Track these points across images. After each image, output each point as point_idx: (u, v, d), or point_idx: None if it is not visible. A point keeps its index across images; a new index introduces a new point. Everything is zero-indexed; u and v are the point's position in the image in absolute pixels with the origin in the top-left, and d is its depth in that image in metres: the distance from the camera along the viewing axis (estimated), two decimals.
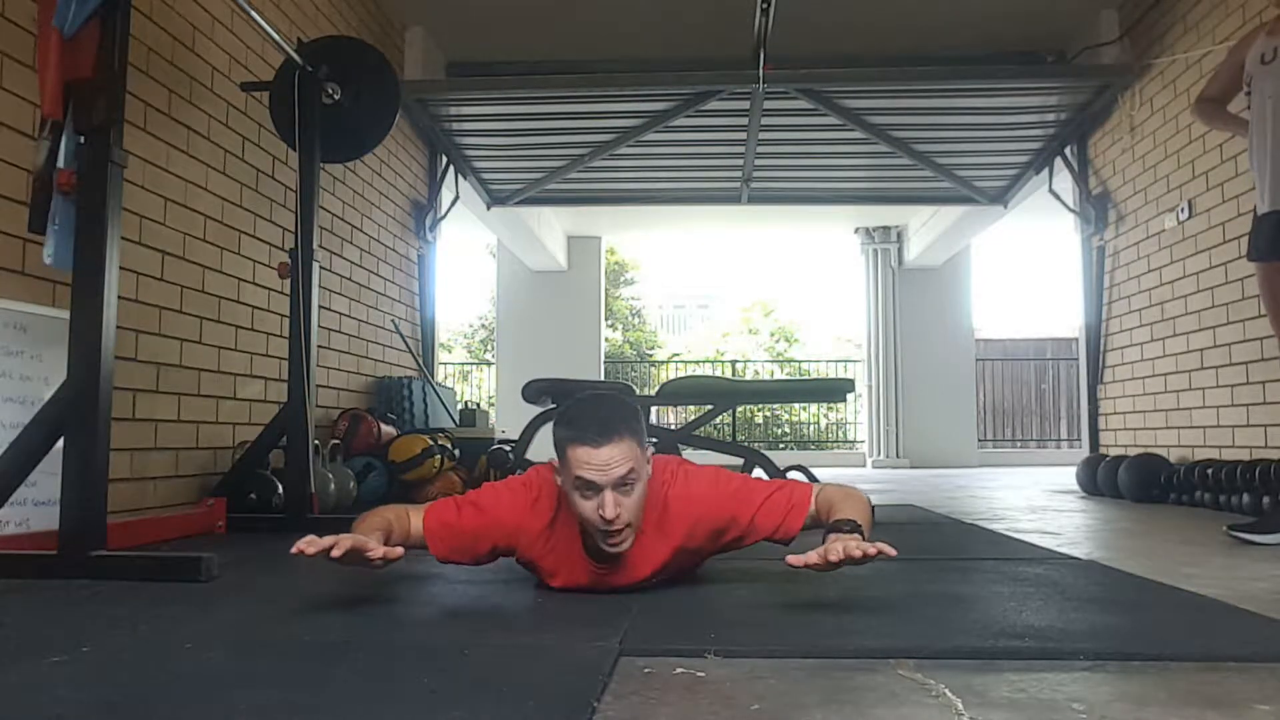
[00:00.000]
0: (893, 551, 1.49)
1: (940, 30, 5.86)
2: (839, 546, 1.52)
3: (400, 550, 1.61)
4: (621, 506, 1.64)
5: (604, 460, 1.61)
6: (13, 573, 2.07)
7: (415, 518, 1.82)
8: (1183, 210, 4.80)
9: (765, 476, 3.97)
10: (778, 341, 19.24)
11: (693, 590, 1.87)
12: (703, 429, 4.25)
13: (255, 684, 1.20)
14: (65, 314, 2.21)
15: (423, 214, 6.21)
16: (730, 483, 1.84)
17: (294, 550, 1.56)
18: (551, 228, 10.05)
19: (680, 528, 1.79)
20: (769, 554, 1.91)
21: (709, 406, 4.14)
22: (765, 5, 4.67)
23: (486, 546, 1.82)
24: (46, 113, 2.23)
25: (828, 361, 14.63)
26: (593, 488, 1.63)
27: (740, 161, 6.67)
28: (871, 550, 1.47)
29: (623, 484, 1.64)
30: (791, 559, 1.55)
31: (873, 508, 1.77)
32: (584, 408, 1.69)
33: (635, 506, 1.68)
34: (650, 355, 17.91)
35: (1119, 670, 1.29)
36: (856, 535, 1.60)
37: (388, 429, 4.76)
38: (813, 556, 1.55)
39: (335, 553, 1.53)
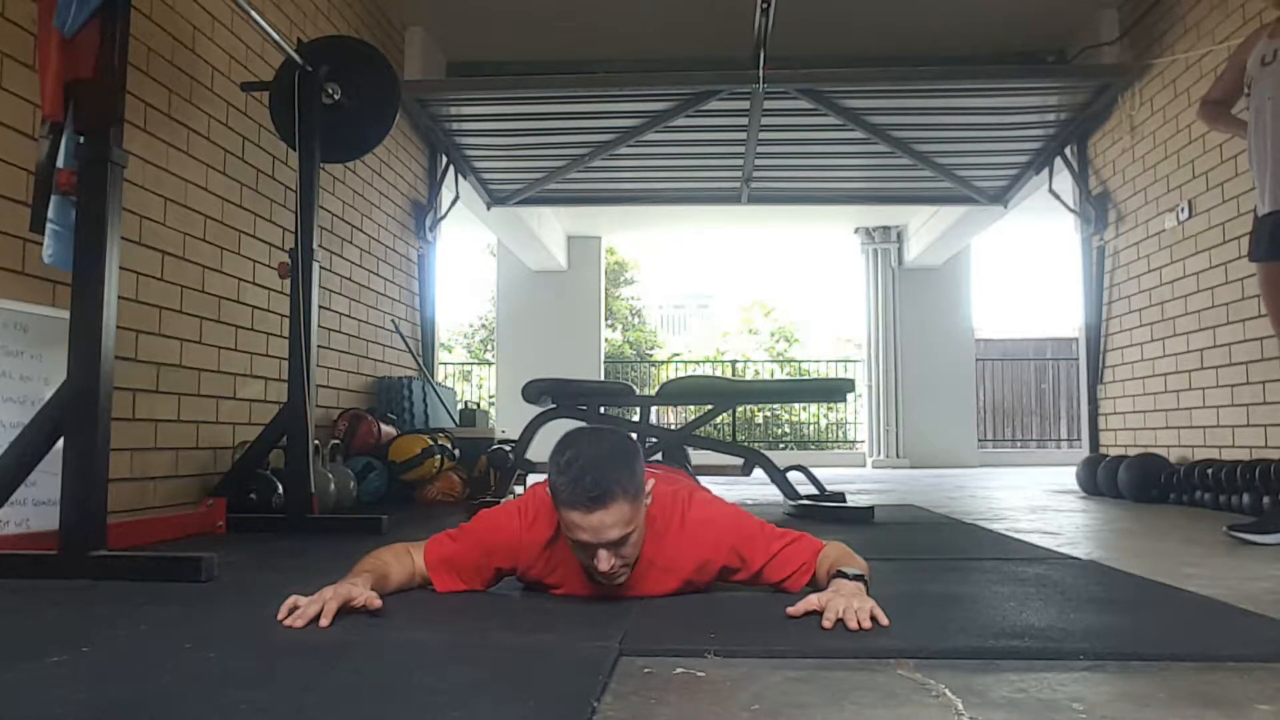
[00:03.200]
0: (886, 621, 1.50)
1: (940, 30, 5.86)
2: (839, 606, 1.52)
3: (379, 603, 1.59)
4: (616, 558, 1.65)
5: (595, 525, 1.59)
6: (13, 573, 2.07)
7: (416, 555, 1.82)
8: (1183, 210, 4.80)
9: (765, 477, 3.98)
10: (778, 341, 19.23)
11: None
12: (703, 429, 4.25)
13: (255, 684, 1.20)
14: (65, 314, 2.21)
15: (423, 214, 6.20)
16: (748, 526, 1.83)
17: (281, 619, 1.53)
18: (551, 228, 10.05)
19: (691, 563, 1.79)
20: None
21: (709, 406, 4.14)
22: (765, 5, 4.66)
23: (491, 571, 1.83)
24: (47, 113, 2.23)
25: (828, 361, 14.61)
26: (586, 547, 1.64)
27: (740, 161, 6.67)
28: (867, 624, 1.48)
29: (616, 543, 1.63)
30: (791, 610, 1.57)
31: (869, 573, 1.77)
32: (579, 463, 1.60)
33: (632, 551, 1.68)
34: (650, 355, 17.90)
35: (1119, 670, 1.29)
36: (859, 585, 1.61)
37: (388, 429, 4.76)
38: (813, 604, 1.55)
39: (323, 622, 1.51)
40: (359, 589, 1.60)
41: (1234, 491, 3.97)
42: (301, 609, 1.53)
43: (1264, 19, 3.54)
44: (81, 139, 2.21)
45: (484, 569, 1.82)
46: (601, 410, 4.01)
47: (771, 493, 4.15)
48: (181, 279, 3.38)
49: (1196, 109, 3.43)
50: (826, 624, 1.49)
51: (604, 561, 1.63)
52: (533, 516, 1.79)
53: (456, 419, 5.53)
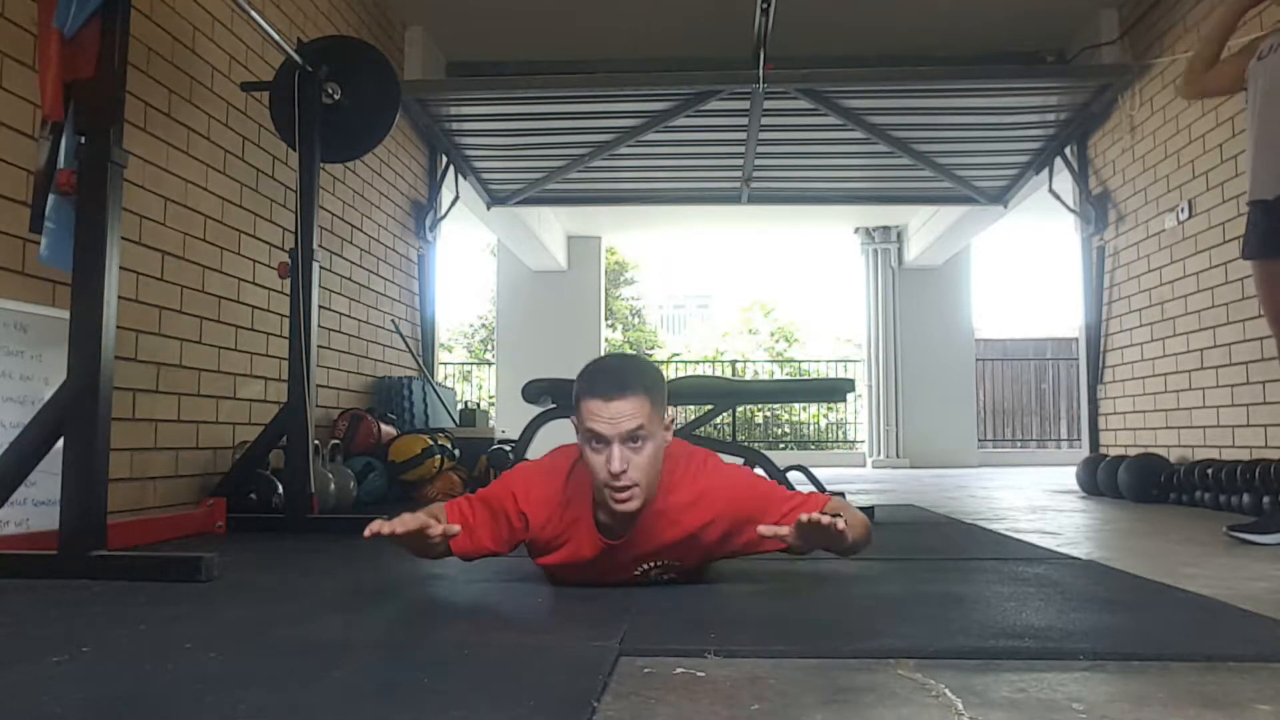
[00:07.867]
0: (842, 526, 1.57)
1: (940, 30, 5.86)
2: (802, 518, 1.58)
3: (457, 526, 1.66)
4: (629, 463, 1.66)
5: (613, 413, 1.63)
6: (13, 573, 2.07)
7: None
8: (1183, 210, 4.80)
9: (765, 476, 3.98)
10: (777, 341, 19.25)
11: (693, 590, 1.86)
12: (703, 429, 4.25)
13: (255, 684, 1.20)
14: (65, 314, 2.21)
15: (423, 214, 6.21)
16: (761, 485, 1.87)
17: (367, 534, 1.60)
18: (551, 228, 10.05)
19: (701, 516, 1.79)
20: (770, 554, 1.91)
21: (709, 406, 4.14)
22: (765, 5, 4.66)
23: (505, 526, 1.82)
24: (47, 113, 2.23)
25: (828, 361, 14.62)
26: (601, 440, 1.65)
27: (740, 161, 6.67)
28: (838, 526, 1.55)
29: (631, 439, 1.65)
30: (762, 528, 1.62)
31: (869, 531, 1.83)
32: (604, 362, 1.77)
33: (645, 465, 1.68)
34: (650, 355, 17.90)
35: (1119, 670, 1.29)
36: (840, 500, 1.70)
37: (388, 429, 4.76)
38: (782, 528, 1.62)
39: (399, 529, 1.58)
40: (436, 520, 1.66)
41: (1234, 491, 3.97)
42: (382, 523, 1.59)
43: (1264, 22, 3.54)
44: (81, 139, 2.21)
45: (498, 521, 1.82)
46: None
47: None
48: (181, 279, 3.38)
49: (1181, 81, 3.34)
50: (791, 524, 1.60)
51: (616, 460, 1.63)
52: (549, 469, 1.83)
53: (456, 419, 5.53)
